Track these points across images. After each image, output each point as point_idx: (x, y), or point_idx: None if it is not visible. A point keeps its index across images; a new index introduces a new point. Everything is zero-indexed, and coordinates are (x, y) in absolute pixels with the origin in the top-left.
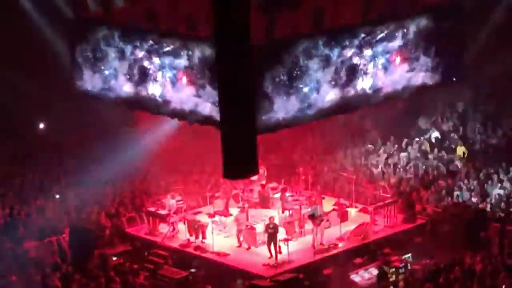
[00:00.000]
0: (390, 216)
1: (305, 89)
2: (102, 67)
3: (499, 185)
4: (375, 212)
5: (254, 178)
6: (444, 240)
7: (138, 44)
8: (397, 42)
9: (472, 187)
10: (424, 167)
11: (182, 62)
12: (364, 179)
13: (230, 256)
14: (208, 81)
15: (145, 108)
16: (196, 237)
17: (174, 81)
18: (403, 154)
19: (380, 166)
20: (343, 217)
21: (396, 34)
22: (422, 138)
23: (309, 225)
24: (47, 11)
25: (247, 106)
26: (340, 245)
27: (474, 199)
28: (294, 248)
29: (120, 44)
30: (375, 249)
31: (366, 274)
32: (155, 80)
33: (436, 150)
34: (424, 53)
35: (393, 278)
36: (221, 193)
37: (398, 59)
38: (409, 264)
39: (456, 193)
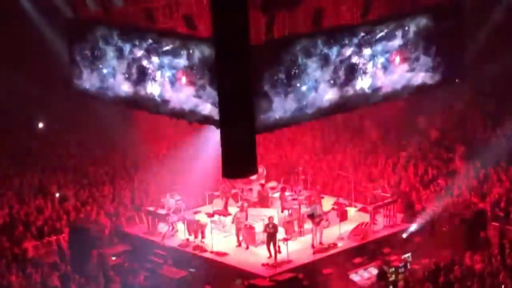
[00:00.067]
0: (389, 215)
1: (304, 88)
2: (101, 66)
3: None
4: (375, 211)
5: (253, 177)
6: (443, 239)
7: (137, 43)
8: (396, 42)
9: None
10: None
11: (182, 61)
12: (364, 178)
13: (229, 256)
14: (208, 81)
15: (144, 107)
16: (195, 237)
17: (173, 81)
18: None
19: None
20: (343, 216)
21: (396, 33)
22: None
23: (308, 225)
24: (46, 11)
25: (246, 105)
26: (339, 244)
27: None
28: (294, 248)
29: (119, 42)
30: (375, 249)
31: (366, 274)
32: (154, 79)
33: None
34: (424, 53)
35: (392, 277)
36: (220, 193)
37: (397, 59)
38: (408, 264)
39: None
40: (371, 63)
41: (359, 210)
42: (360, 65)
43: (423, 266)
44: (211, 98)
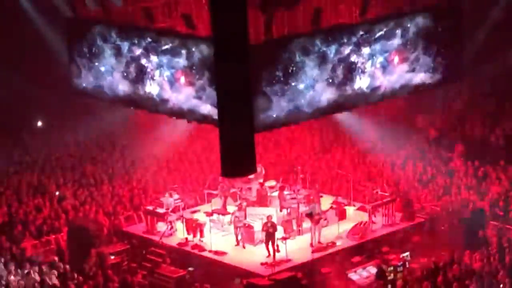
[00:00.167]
0: (388, 214)
1: (301, 86)
2: (99, 65)
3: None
4: (373, 210)
5: (251, 176)
6: (442, 238)
7: (136, 42)
8: (395, 41)
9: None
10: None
11: (181, 61)
12: (362, 177)
13: (228, 255)
14: (207, 80)
15: (142, 106)
16: (194, 236)
17: (172, 80)
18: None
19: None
20: (341, 215)
21: (395, 33)
22: None
23: (307, 224)
24: (46, 10)
25: (245, 104)
26: (338, 243)
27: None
28: (292, 247)
29: (118, 41)
30: (373, 248)
31: (364, 273)
32: (152, 78)
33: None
34: (422, 52)
35: (391, 276)
36: (219, 192)
37: (396, 58)
38: (407, 263)
39: None
40: (369, 62)
41: (358, 209)
42: (359, 64)
43: (422, 265)
44: (210, 97)
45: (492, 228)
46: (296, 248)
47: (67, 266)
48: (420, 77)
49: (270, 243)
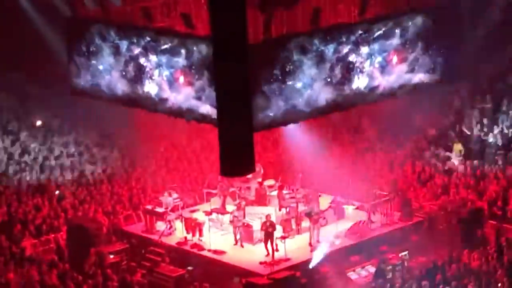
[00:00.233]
0: (387, 213)
1: (300, 85)
2: (98, 64)
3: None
4: (372, 209)
5: (249, 176)
6: (441, 237)
7: (135, 41)
8: (394, 41)
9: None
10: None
11: (180, 61)
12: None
13: (227, 254)
14: (206, 80)
15: (141, 105)
16: (193, 235)
17: (171, 80)
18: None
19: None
20: (340, 214)
21: (394, 32)
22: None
23: (306, 223)
24: (45, 10)
25: (244, 104)
26: (336, 242)
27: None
28: (291, 246)
29: (116, 40)
30: (372, 247)
31: (363, 272)
32: (151, 78)
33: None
34: (421, 52)
35: (390, 275)
36: (218, 191)
37: (395, 58)
38: (406, 262)
39: None
40: (368, 62)
41: (357, 208)
42: (357, 64)
43: (420, 264)
44: (209, 97)
45: (490, 227)
46: (295, 247)
47: (67, 265)
48: (418, 77)
49: (269, 242)
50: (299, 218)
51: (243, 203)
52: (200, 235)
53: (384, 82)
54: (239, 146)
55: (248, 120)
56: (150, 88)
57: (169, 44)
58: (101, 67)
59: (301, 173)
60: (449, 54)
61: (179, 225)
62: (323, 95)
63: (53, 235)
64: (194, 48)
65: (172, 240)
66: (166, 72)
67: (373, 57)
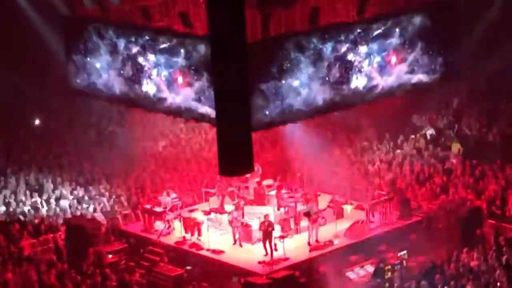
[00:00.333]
0: (385, 213)
1: (296, 83)
2: (97, 63)
3: None
4: (371, 209)
5: (248, 175)
6: (439, 237)
7: (133, 39)
8: (392, 40)
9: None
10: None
11: (178, 60)
12: (360, 176)
13: (225, 254)
14: (204, 79)
15: (140, 105)
16: (192, 234)
17: (169, 80)
18: (398, 151)
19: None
20: (339, 214)
21: (392, 31)
22: (417, 135)
23: (304, 222)
24: (43, 9)
25: (242, 103)
26: (335, 242)
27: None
28: (290, 246)
29: (115, 39)
30: (371, 246)
31: (362, 271)
32: (149, 77)
33: (430, 147)
34: (420, 51)
35: (388, 275)
36: (216, 190)
37: (394, 57)
38: (404, 261)
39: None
40: (367, 61)
41: (355, 207)
42: (356, 63)
43: (419, 263)
44: (208, 96)
45: (489, 226)
46: (294, 247)
47: (65, 265)
48: (417, 76)
49: (267, 242)
50: (297, 218)
51: (242, 202)
52: (199, 234)
53: (382, 82)
54: (237, 146)
55: (246, 119)
56: (148, 87)
57: (168, 44)
58: (99, 66)
59: (299, 173)
60: (449, 52)
61: (177, 225)
62: (322, 94)
63: (51, 235)
64: (193, 48)
65: (170, 240)
66: (164, 73)
67: (371, 56)
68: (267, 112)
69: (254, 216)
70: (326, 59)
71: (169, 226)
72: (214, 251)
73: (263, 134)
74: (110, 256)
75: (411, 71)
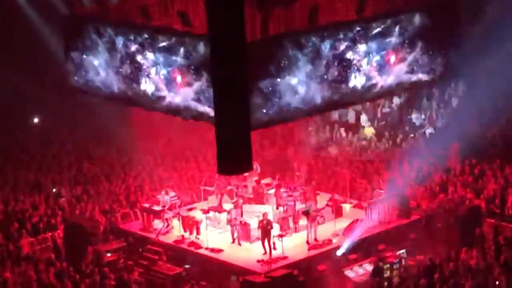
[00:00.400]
0: (384, 212)
1: (295, 82)
2: (95, 62)
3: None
4: (370, 208)
5: (246, 174)
6: (438, 236)
7: (132, 38)
8: (392, 39)
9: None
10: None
11: (178, 59)
12: (359, 175)
13: (224, 252)
14: (204, 80)
15: (138, 104)
16: (191, 233)
17: (168, 79)
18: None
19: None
20: (338, 213)
21: (391, 30)
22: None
23: (303, 221)
24: (42, 7)
25: (241, 102)
26: (334, 241)
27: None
28: (289, 244)
29: (114, 38)
30: (370, 245)
31: (361, 270)
32: (148, 76)
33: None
34: (418, 50)
35: (387, 274)
36: (215, 189)
37: (392, 56)
38: (403, 260)
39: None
40: (365, 60)
41: (354, 206)
42: (355, 62)
43: (418, 262)
44: (207, 95)
45: (488, 225)
46: (293, 246)
47: (64, 264)
48: (416, 74)
49: (266, 240)
50: (296, 217)
51: (241, 201)
52: (198, 233)
53: (381, 79)
54: (236, 145)
55: (245, 118)
56: (146, 86)
57: (167, 42)
58: (98, 65)
59: (298, 171)
60: (448, 51)
61: (176, 223)
62: (320, 93)
63: (50, 234)
64: (192, 47)
65: (169, 239)
66: (163, 71)
67: (370, 55)
68: (266, 111)
69: (253, 214)
70: (324, 57)
71: (168, 225)
72: (212, 250)
73: (262, 132)
74: (108, 254)
75: (411, 71)
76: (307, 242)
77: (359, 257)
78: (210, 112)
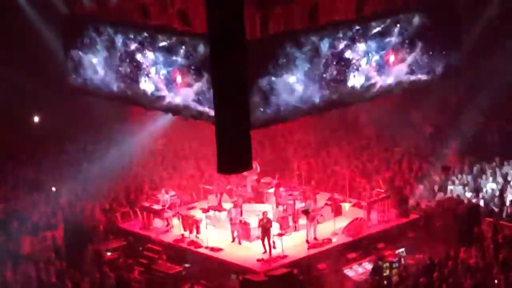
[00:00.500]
0: (383, 211)
1: (294, 81)
2: (95, 61)
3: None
4: (369, 207)
5: (245, 173)
6: (437, 235)
7: (132, 36)
8: (390, 38)
9: (466, 182)
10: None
11: (177, 59)
12: (358, 174)
13: (224, 251)
14: (204, 80)
15: (138, 103)
16: (190, 232)
17: (168, 78)
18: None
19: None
20: (337, 212)
21: (391, 30)
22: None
23: (303, 220)
24: (41, 6)
25: (241, 101)
26: (333, 240)
27: (468, 194)
28: (288, 243)
29: (113, 37)
30: (369, 244)
31: (360, 269)
32: (148, 75)
33: None
34: (418, 50)
35: (386, 273)
36: (215, 188)
37: (392, 56)
38: (402, 259)
39: (449, 188)
40: (365, 59)
41: (354, 205)
42: (354, 61)
43: (417, 261)
44: (208, 98)
45: (487, 224)
46: (292, 245)
47: (64, 263)
48: (415, 74)
49: (266, 239)
50: (296, 215)
51: (240, 200)
52: (197, 232)
53: (380, 79)
54: (236, 144)
55: (245, 117)
56: (146, 86)
57: (167, 42)
58: (96, 63)
59: (298, 171)
60: (447, 51)
61: (176, 223)
62: (319, 92)
63: (50, 233)
64: (193, 47)
65: (169, 238)
66: (163, 71)
67: (369, 54)
68: (265, 110)
69: (253, 213)
70: (323, 56)
71: (168, 224)
72: (212, 249)
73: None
74: (108, 253)
75: (410, 70)
76: (307, 241)
77: (358, 256)
78: (210, 111)
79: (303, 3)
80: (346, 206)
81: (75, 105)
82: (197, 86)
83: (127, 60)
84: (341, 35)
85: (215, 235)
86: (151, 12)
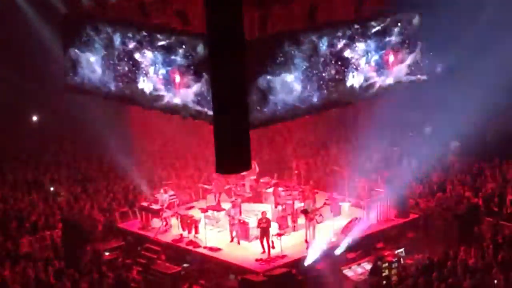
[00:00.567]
0: (383, 210)
1: (292, 80)
2: (93, 61)
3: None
4: (368, 206)
5: (244, 173)
6: (437, 235)
7: (130, 35)
8: (391, 38)
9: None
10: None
11: (176, 59)
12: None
13: (222, 251)
14: (203, 80)
15: (136, 102)
16: (189, 232)
17: (166, 78)
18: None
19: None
20: (336, 211)
21: (390, 30)
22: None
23: (302, 220)
24: (41, 6)
25: (240, 101)
26: (333, 239)
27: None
28: (287, 243)
29: (112, 37)
30: (368, 244)
31: (359, 269)
32: (146, 75)
33: None
34: (418, 50)
35: (386, 272)
36: (213, 188)
37: (391, 55)
38: (402, 259)
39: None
40: (364, 59)
41: (353, 205)
42: (353, 60)
43: (417, 261)
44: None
45: (486, 224)
46: (291, 244)
47: (62, 262)
48: (414, 73)
49: (265, 239)
50: (295, 215)
51: (239, 200)
52: (196, 232)
53: (380, 81)
54: (235, 143)
55: (244, 117)
56: (144, 85)
57: (166, 41)
58: (94, 62)
59: (296, 170)
60: (447, 52)
61: (174, 222)
62: (317, 91)
63: (48, 232)
64: (192, 47)
65: (167, 237)
66: (162, 70)
67: (369, 54)
68: (264, 110)
69: (252, 213)
70: (321, 55)
71: (166, 224)
72: (211, 249)
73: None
74: (107, 253)
75: (410, 70)
76: (306, 241)
77: (357, 256)
78: (209, 111)
79: (303, 2)
80: (345, 205)
81: (75, 104)
82: (195, 86)
83: (126, 59)
84: (340, 34)
85: (213, 235)
86: (150, 11)
